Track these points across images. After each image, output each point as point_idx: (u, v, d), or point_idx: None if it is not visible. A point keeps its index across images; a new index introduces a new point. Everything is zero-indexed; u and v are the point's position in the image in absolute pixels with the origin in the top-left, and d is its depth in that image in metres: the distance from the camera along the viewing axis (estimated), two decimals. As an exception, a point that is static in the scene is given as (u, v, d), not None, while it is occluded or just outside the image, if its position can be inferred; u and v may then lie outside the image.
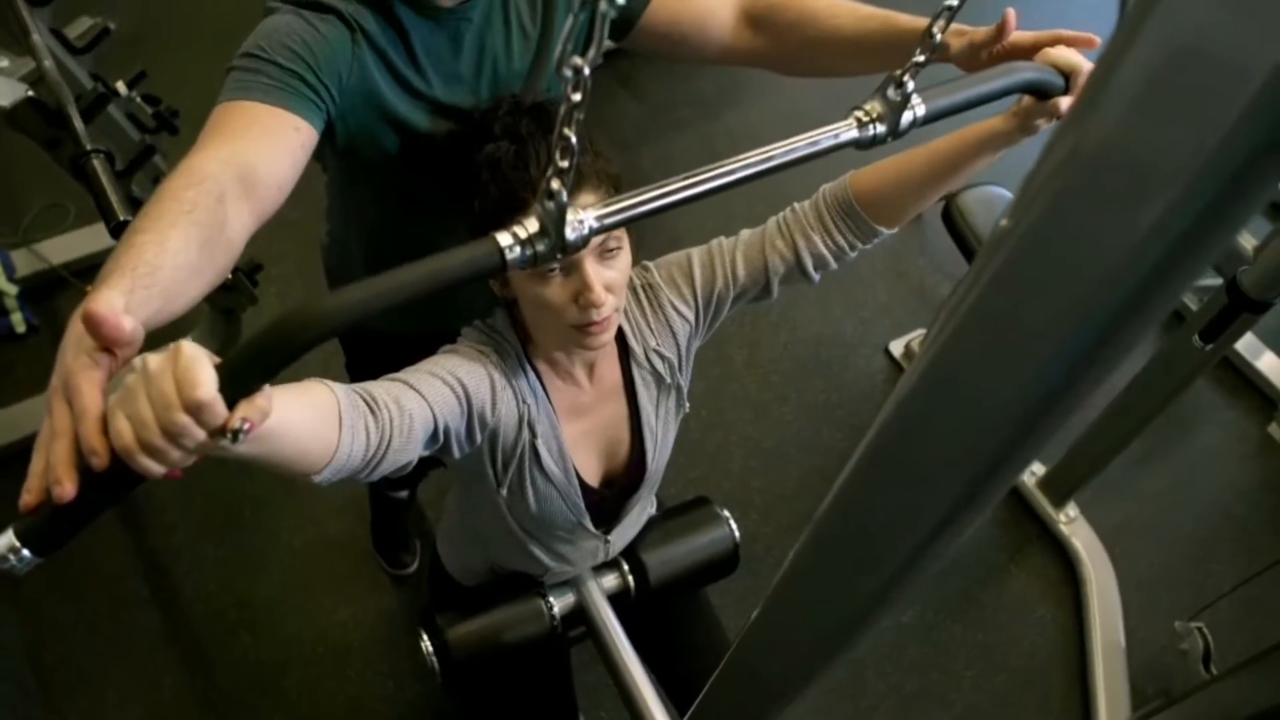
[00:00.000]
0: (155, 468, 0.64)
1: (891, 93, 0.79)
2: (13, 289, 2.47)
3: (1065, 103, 0.98)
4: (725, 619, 1.61)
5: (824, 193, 1.18)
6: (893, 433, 0.54)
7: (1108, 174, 0.36)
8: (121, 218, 1.58)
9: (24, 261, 2.55)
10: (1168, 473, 2.71)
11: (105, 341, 0.68)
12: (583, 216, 0.67)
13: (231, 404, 0.63)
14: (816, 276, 1.19)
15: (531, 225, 0.66)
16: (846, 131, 0.78)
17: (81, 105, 1.76)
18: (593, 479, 1.26)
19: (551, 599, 1.38)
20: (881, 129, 0.79)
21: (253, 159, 0.94)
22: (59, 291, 2.59)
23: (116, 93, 2.06)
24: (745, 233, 1.22)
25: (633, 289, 1.21)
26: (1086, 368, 0.41)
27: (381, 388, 0.99)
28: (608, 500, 1.29)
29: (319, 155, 1.24)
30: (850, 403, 2.69)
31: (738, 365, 2.74)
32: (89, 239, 2.61)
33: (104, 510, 0.68)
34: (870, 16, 1.19)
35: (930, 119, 0.84)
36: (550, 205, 0.65)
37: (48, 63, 1.81)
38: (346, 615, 2.19)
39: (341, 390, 0.93)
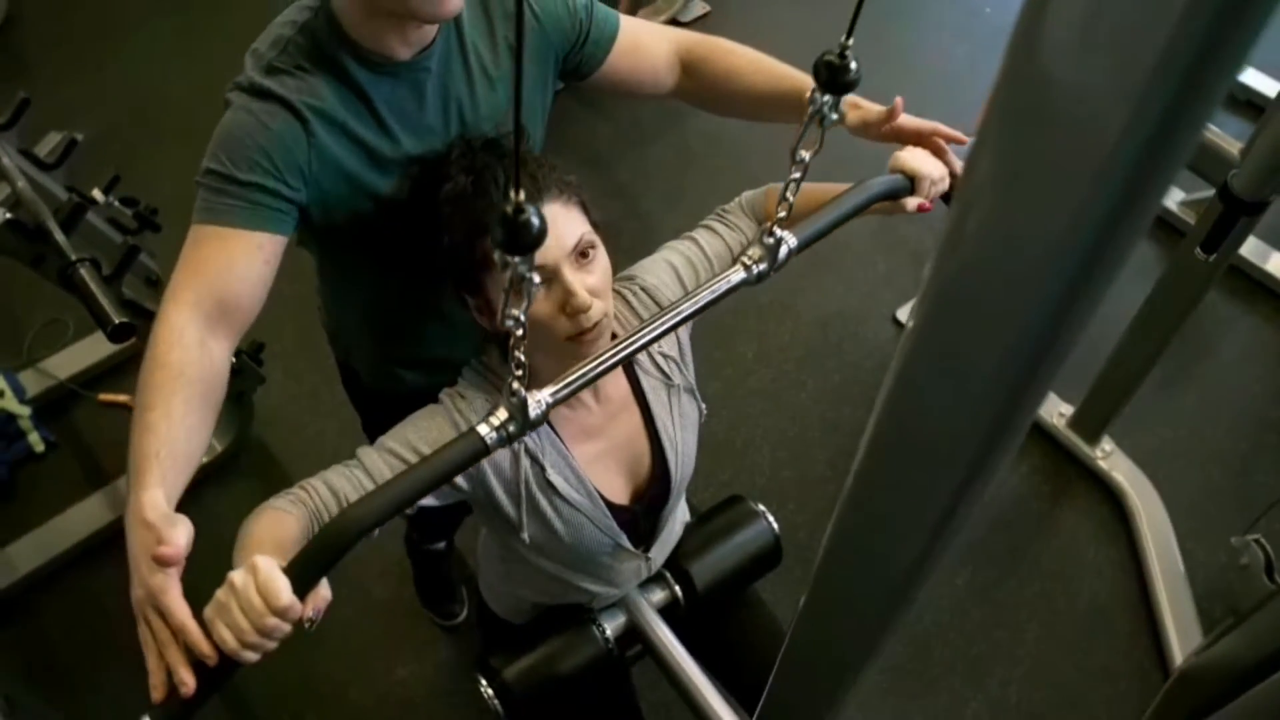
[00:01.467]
0: (253, 657, 0.81)
1: (766, 238, 0.94)
2: (25, 410, 2.49)
3: (912, 203, 1.17)
4: (781, 613, 1.60)
5: (750, 200, 1.30)
6: (901, 390, 0.54)
7: (1058, 94, 0.36)
8: (116, 321, 1.60)
9: (32, 381, 2.56)
10: (1196, 391, 2.69)
11: (175, 565, 0.86)
12: (539, 397, 0.81)
13: (301, 598, 0.80)
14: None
15: (501, 414, 0.81)
16: (737, 275, 0.95)
17: (60, 218, 1.78)
18: (620, 497, 1.26)
19: (603, 622, 1.37)
20: (764, 267, 0.95)
21: (223, 288, 1.08)
22: (71, 405, 2.61)
23: (94, 200, 2.08)
24: (700, 236, 1.29)
25: (625, 299, 1.21)
26: (1081, 281, 0.41)
27: (348, 476, 1.05)
28: (640, 516, 1.29)
29: (302, 240, 1.25)
30: (866, 377, 2.68)
31: (749, 360, 2.73)
32: (91, 349, 2.63)
33: (217, 691, 0.84)
34: (784, 78, 1.33)
35: (801, 248, 0.99)
36: (514, 400, 0.80)
37: (21, 183, 1.83)
38: (405, 674, 2.19)
39: (301, 510, 1.02)
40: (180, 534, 0.86)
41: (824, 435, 2.58)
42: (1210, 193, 1.88)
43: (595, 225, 1.11)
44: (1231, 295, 2.87)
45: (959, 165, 1.19)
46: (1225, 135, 2.09)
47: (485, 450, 0.81)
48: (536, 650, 1.34)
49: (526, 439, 1.14)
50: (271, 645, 0.80)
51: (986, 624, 2.27)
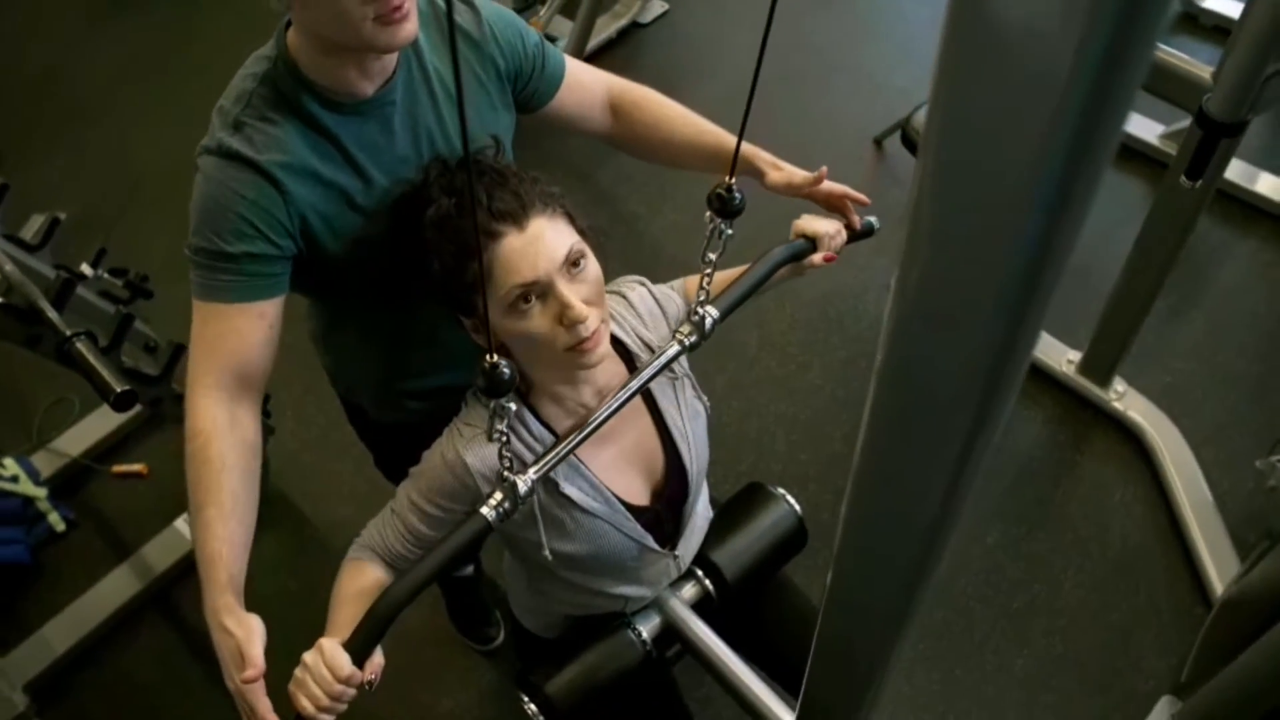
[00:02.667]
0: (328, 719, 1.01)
1: (694, 316, 1.18)
2: (42, 492, 2.49)
3: (818, 258, 1.34)
4: (815, 596, 1.59)
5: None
6: (896, 348, 0.54)
7: (1006, 27, 0.36)
8: (119, 389, 1.60)
9: (45, 462, 2.57)
10: (1202, 320, 2.68)
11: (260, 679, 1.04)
12: (527, 477, 1.05)
13: (360, 666, 1.00)
14: None
15: (498, 497, 1.04)
16: (674, 349, 1.18)
17: (50, 296, 1.78)
18: (640, 498, 1.25)
19: (638, 625, 1.37)
20: (695, 338, 1.19)
21: (238, 362, 1.17)
22: (86, 480, 2.62)
23: (83, 275, 2.08)
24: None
25: (623, 297, 1.22)
26: (1055, 212, 0.41)
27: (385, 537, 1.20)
28: (663, 515, 1.28)
29: (292, 284, 1.26)
30: (871, 349, 2.65)
31: (753, 349, 2.73)
32: (99, 422, 2.64)
33: None
34: (707, 133, 1.42)
35: (724, 317, 1.21)
36: (506, 485, 1.03)
37: (9, 267, 1.84)
38: (450, 704, 2.18)
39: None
40: (258, 648, 1.04)
41: (837, 412, 2.57)
42: (1188, 122, 1.87)
43: (583, 232, 1.11)
44: (1225, 221, 2.85)
45: (857, 220, 1.41)
46: (1196, 62, 2.08)
47: (489, 528, 1.03)
48: (575, 661, 1.34)
49: (535, 456, 1.14)
50: (343, 708, 1.00)
51: (1023, 579, 2.26)
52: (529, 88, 1.34)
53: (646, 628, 1.38)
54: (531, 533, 1.17)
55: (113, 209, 3.29)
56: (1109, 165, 0.41)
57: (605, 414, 1.12)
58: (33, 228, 2.15)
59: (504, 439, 0.97)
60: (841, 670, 0.94)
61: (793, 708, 1.36)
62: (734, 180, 1.06)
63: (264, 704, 1.04)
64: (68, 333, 1.67)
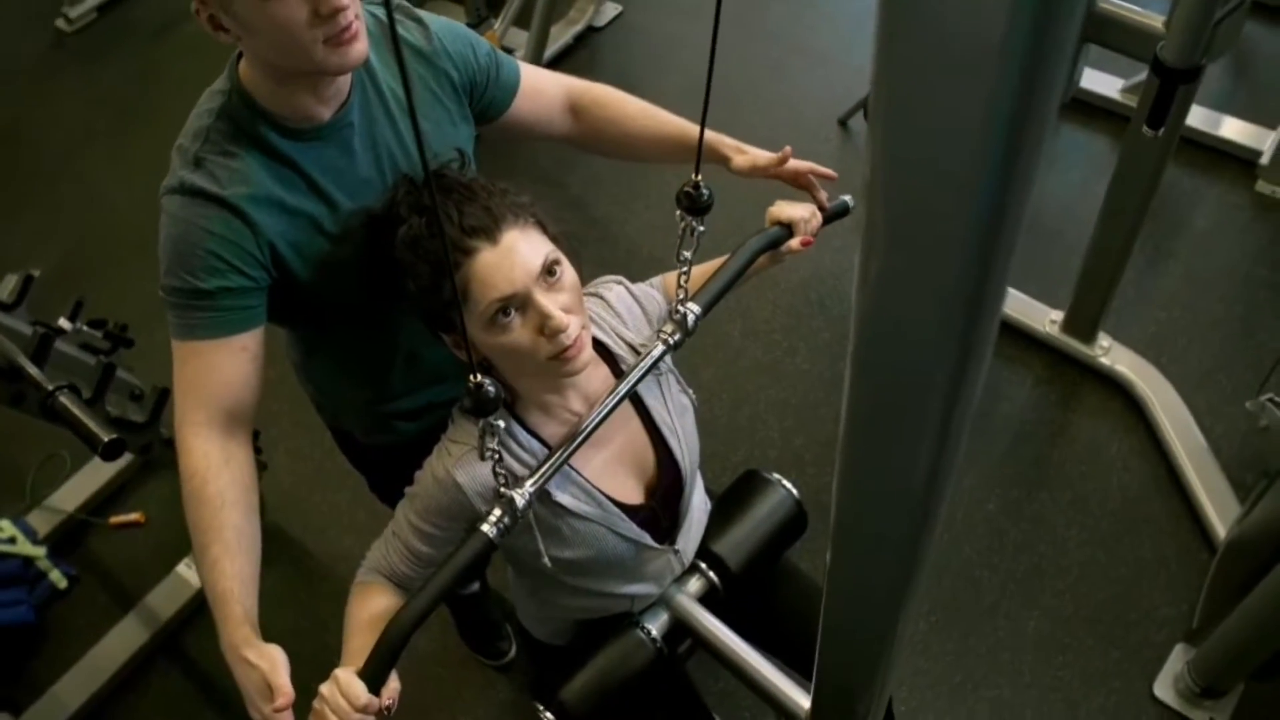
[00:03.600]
0: None
1: (675, 314, 1.17)
2: (40, 551, 2.48)
3: (796, 242, 1.33)
4: (822, 577, 1.59)
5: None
6: (869, 312, 0.54)
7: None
8: (106, 439, 1.59)
9: (41, 520, 2.56)
10: (1179, 268, 2.69)
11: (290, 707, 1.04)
12: (524, 491, 1.04)
13: (376, 693, 1.00)
14: None
15: (497, 513, 1.03)
16: (659, 349, 1.17)
17: (29, 352, 1.77)
18: (635, 497, 1.25)
19: (646, 624, 1.37)
20: (679, 336, 1.18)
21: (224, 397, 1.16)
22: (84, 535, 2.60)
23: (61, 330, 2.08)
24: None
25: (600, 298, 1.22)
26: (1007, 162, 0.41)
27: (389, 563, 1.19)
28: (658, 512, 1.28)
29: (273, 319, 1.26)
30: (856, 329, 2.67)
31: (737, 339, 2.73)
32: (92, 475, 2.63)
33: None
34: (668, 124, 1.42)
35: (706, 312, 1.19)
36: (504, 501, 1.03)
37: (-15, 329, 1.83)
38: (471, 722, 2.18)
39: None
40: (284, 677, 1.04)
41: (826, 394, 2.58)
42: (1144, 75, 1.89)
43: (555, 239, 1.11)
44: (1192, 168, 2.87)
45: (824, 197, 1.40)
46: (1148, 12, 2.09)
47: (493, 545, 1.02)
48: (588, 666, 1.33)
49: (527, 468, 1.14)
50: None
51: (1027, 541, 2.27)
52: (485, 97, 1.33)
53: (655, 625, 1.38)
54: (529, 542, 1.17)
55: (87, 261, 3.28)
56: (1054, 115, 0.42)
57: (595, 420, 1.12)
58: (7, 287, 2.14)
59: (496, 456, 0.96)
60: (851, 645, 0.94)
61: (809, 691, 1.36)
62: (699, 176, 1.06)
63: None
64: (50, 387, 1.66)
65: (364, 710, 0.98)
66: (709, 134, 1.36)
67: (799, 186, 1.40)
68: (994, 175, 0.42)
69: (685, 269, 1.13)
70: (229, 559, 1.11)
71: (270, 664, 1.04)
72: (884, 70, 0.41)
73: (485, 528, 1.01)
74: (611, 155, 1.52)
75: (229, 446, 1.16)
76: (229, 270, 1.12)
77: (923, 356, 0.53)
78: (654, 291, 1.32)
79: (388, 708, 1.01)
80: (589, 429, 1.11)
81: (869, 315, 0.54)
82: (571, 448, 1.10)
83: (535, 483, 1.05)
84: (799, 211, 1.34)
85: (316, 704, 1.00)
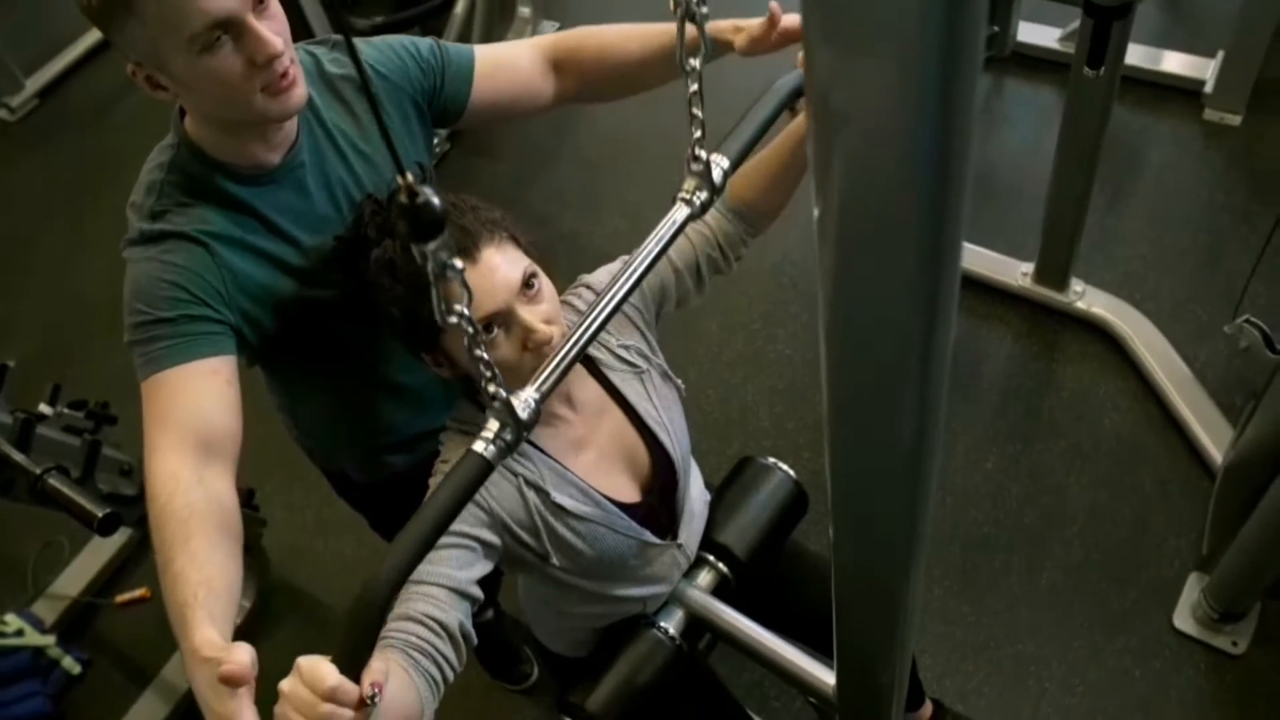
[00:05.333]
0: None
1: (694, 166, 0.86)
2: (49, 639, 2.45)
3: None
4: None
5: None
6: (834, 278, 0.54)
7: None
8: (100, 514, 1.59)
9: (47, 609, 2.53)
10: (1141, 206, 2.72)
11: (243, 683, 0.83)
12: (525, 396, 0.76)
13: (356, 680, 0.79)
14: (733, 262, 1.33)
15: (494, 426, 0.76)
16: (681, 213, 0.87)
17: (12, 439, 1.76)
18: (630, 495, 1.26)
19: (662, 623, 1.37)
20: (704, 195, 0.87)
21: (196, 427, 1.05)
22: (92, 617, 2.58)
23: (42, 415, 2.06)
24: None
25: (572, 305, 1.23)
26: (940, 109, 0.41)
27: (401, 622, 1.01)
28: (656, 507, 1.29)
29: (250, 362, 1.25)
30: (833, 308, 2.68)
31: (716, 333, 2.74)
32: (93, 557, 2.60)
33: None
34: (656, 35, 1.30)
35: (736, 165, 0.92)
36: (498, 405, 0.74)
37: (-36, 424, 1.82)
38: (502, 750, 2.17)
39: (394, 652, 0.99)
40: (243, 652, 0.84)
41: (812, 376, 2.59)
42: (1076, 23, 1.92)
43: (528, 250, 1.11)
44: (1140, 106, 2.90)
45: None
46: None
47: (489, 466, 0.77)
48: (610, 673, 1.33)
49: (524, 470, 1.14)
50: None
51: (1029, 494, 2.28)
52: (443, 94, 1.29)
53: (672, 623, 1.38)
54: (535, 546, 1.16)
55: (59, 345, 3.25)
56: (980, 49, 0.42)
57: (621, 293, 0.84)
58: (-18, 382, 2.13)
59: (471, 326, 0.68)
60: (865, 615, 0.95)
61: (834, 668, 1.36)
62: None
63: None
64: (38, 470, 1.65)
65: (333, 698, 0.77)
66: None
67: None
68: (926, 112, 0.43)
69: (695, 85, 0.80)
70: (196, 568, 0.96)
71: (229, 652, 0.86)
72: (815, 43, 0.41)
73: (478, 446, 0.77)
74: (614, 95, 1.39)
75: (205, 476, 1.04)
76: (192, 301, 1.09)
77: (891, 309, 0.54)
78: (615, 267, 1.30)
79: (371, 697, 0.79)
80: (589, 329, 0.83)
81: (833, 274, 0.54)
82: (573, 348, 0.82)
83: (540, 386, 0.80)
84: None
85: (278, 707, 0.80)
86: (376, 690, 0.79)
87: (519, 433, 0.76)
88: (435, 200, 0.55)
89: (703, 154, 0.86)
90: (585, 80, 1.35)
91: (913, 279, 0.51)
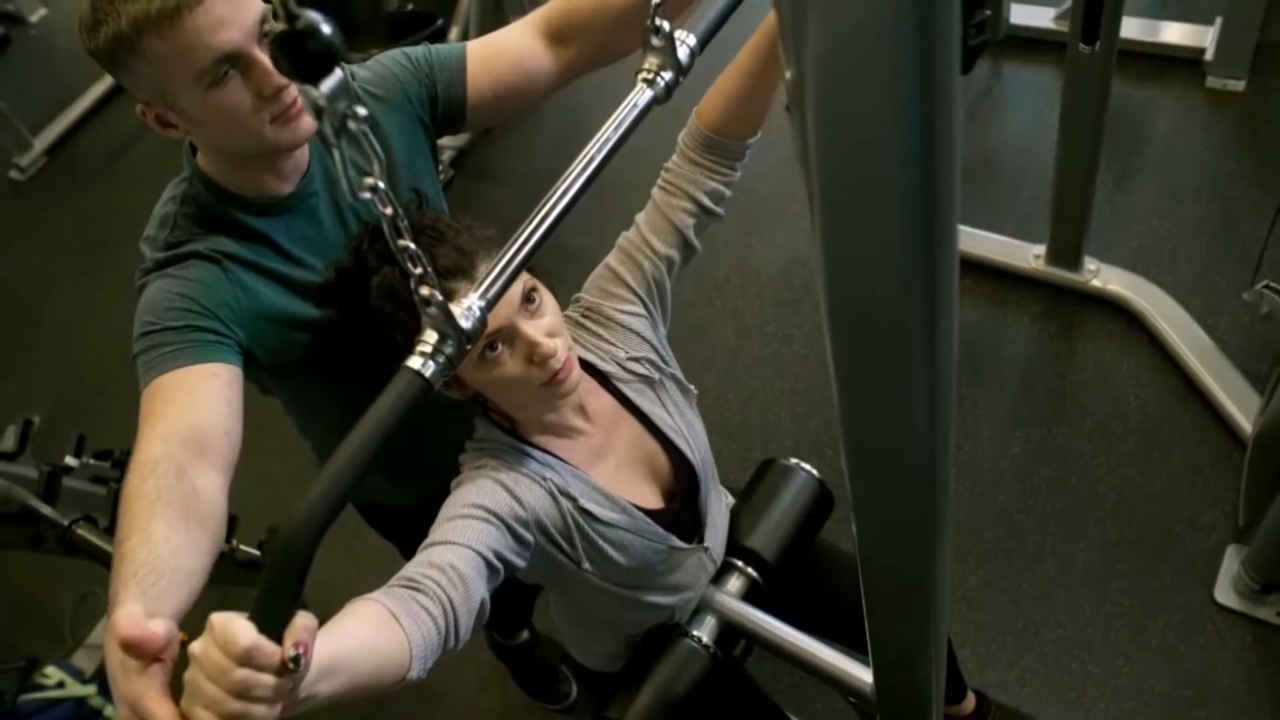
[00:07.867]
0: None
1: (655, 41, 0.78)
2: (91, 689, 2.47)
3: None
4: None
5: (683, 140, 1.23)
6: (832, 265, 0.54)
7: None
8: (130, 562, 1.59)
9: (86, 659, 2.55)
10: (1150, 179, 2.69)
11: (149, 655, 0.74)
12: (467, 303, 0.67)
13: (278, 640, 0.67)
14: (720, 210, 1.24)
15: (430, 337, 0.67)
16: (642, 96, 0.77)
17: (40, 492, 1.78)
18: (654, 502, 1.25)
19: (695, 632, 1.36)
20: (669, 75, 0.78)
21: (189, 421, 1.02)
22: (132, 665, 2.59)
23: (68, 468, 2.09)
24: (640, 215, 1.26)
25: (575, 321, 1.22)
26: (922, 79, 0.41)
27: (415, 565, 0.99)
28: (680, 512, 1.28)
29: (265, 389, 1.25)
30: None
31: (732, 339, 2.73)
32: (128, 604, 2.62)
33: None
34: None
35: (704, 41, 0.82)
36: (433, 311, 0.65)
37: (-6, 481, 1.84)
38: (546, 771, 2.16)
39: (381, 592, 0.95)
40: (159, 625, 0.73)
41: (830, 375, 2.57)
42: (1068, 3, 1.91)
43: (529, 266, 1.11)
44: (1141, 80, 2.88)
45: None
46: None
47: (427, 385, 0.67)
48: (646, 684, 1.32)
49: (551, 479, 1.13)
50: (261, 711, 0.67)
51: (1058, 476, 2.26)
52: (441, 93, 1.27)
53: (705, 631, 1.37)
54: (569, 549, 1.15)
55: (80, 399, 3.29)
56: (955, 43, 0.42)
57: (562, 199, 0.78)
58: (8, 439, 2.15)
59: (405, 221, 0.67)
60: (896, 610, 0.94)
61: (869, 666, 1.35)
62: None
63: (162, 707, 0.74)
64: (65, 522, 1.67)
65: (249, 660, 0.65)
66: None
67: None
68: (910, 77, 0.42)
69: None
70: (148, 549, 0.88)
71: (147, 626, 0.74)
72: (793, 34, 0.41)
73: (414, 362, 0.67)
74: (627, 48, 1.28)
75: (189, 472, 0.97)
76: (201, 313, 1.09)
77: (892, 292, 0.53)
78: (602, 273, 1.30)
79: (295, 658, 0.67)
80: (548, 217, 0.78)
81: (832, 262, 0.54)
82: (521, 256, 0.75)
83: (484, 293, 0.70)
84: None
85: (188, 673, 0.68)
86: (301, 650, 0.67)
87: (461, 344, 0.67)
88: (325, 27, 0.46)
89: (664, 25, 0.75)
90: (591, 39, 1.28)
91: (906, 244, 0.50)
